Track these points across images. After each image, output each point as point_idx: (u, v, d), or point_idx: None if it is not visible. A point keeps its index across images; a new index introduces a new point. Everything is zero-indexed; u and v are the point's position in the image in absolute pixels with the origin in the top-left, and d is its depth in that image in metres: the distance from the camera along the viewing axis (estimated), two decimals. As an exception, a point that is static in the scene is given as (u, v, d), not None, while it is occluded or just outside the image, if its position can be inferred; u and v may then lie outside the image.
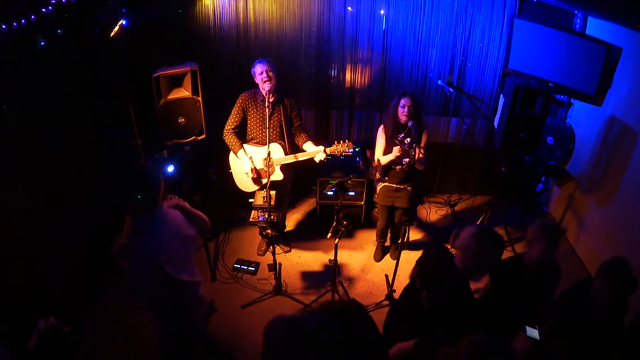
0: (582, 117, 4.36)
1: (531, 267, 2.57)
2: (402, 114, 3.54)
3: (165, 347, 2.71)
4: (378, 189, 3.91)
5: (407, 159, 3.58)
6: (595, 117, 4.10)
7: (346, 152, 3.61)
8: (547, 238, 2.47)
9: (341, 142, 3.61)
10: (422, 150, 3.52)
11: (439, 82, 4.55)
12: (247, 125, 3.77)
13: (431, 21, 4.31)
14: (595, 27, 4.02)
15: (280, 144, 3.71)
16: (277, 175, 3.77)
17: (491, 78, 4.51)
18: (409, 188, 3.79)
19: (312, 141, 3.77)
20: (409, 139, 3.58)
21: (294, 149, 3.82)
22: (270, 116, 3.43)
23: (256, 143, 3.78)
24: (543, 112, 3.77)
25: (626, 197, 3.71)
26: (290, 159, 3.71)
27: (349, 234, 4.48)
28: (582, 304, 2.49)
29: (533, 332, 2.69)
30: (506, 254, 4.40)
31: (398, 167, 3.71)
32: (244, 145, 3.75)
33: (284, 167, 3.78)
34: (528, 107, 3.77)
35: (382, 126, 3.73)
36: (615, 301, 2.39)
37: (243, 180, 3.88)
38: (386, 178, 3.80)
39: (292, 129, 3.80)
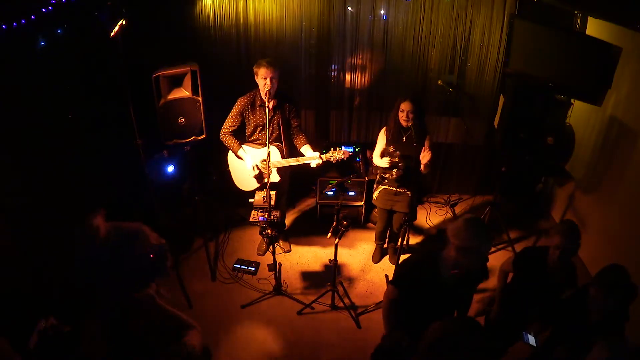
0: (582, 117, 4.35)
1: (554, 263, 2.63)
2: (402, 118, 3.54)
3: None
4: (377, 192, 3.91)
5: (396, 170, 3.63)
6: (595, 117, 4.10)
7: (341, 159, 3.61)
8: (566, 238, 2.53)
9: (337, 149, 3.59)
10: (428, 153, 3.45)
11: (439, 82, 4.55)
12: (246, 127, 3.78)
13: (431, 21, 4.30)
14: (595, 27, 4.02)
15: (277, 146, 3.70)
16: (274, 178, 3.76)
17: (491, 78, 4.50)
18: (408, 192, 3.77)
19: (310, 145, 3.76)
20: (397, 152, 3.56)
21: (292, 151, 3.82)
22: (270, 120, 3.43)
23: (255, 144, 3.79)
24: (543, 112, 3.77)
25: (626, 197, 3.70)
26: (287, 162, 3.70)
27: (348, 234, 4.49)
28: (579, 311, 2.49)
29: (531, 340, 2.65)
30: (505, 254, 4.42)
31: (389, 175, 3.73)
32: (243, 145, 3.77)
33: (281, 169, 3.78)
34: (528, 107, 3.77)
35: (385, 127, 3.73)
36: (614, 310, 2.36)
37: (242, 179, 3.89)
38: (385, 181, 3.80)
39: (290, 130, 3.81)
